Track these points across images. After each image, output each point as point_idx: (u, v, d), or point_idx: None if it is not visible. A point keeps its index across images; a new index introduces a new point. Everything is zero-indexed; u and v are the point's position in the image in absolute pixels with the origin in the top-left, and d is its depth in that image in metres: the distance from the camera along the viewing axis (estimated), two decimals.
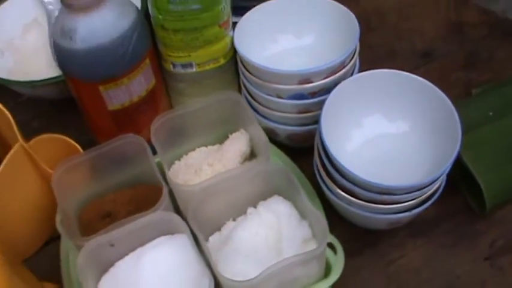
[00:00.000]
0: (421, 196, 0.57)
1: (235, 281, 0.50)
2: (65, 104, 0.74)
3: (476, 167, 0.63)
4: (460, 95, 0.78)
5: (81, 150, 0.65)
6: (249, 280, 0.49)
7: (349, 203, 0.58)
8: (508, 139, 0.66)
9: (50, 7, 0.86)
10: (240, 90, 0.71)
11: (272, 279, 0.51)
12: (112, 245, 0.56)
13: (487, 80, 0.81)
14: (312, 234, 0.57)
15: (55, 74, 0.73)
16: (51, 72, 0.78)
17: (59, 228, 0.61)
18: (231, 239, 0.57)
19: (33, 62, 0.86)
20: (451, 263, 0.63)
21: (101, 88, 0.60)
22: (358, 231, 0.64)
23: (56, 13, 0.65)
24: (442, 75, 0.82)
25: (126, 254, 0.57)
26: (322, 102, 0.60)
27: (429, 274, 0.63)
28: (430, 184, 0.55)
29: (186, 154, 0.67)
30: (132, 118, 0.65)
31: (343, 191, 0.57)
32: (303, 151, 0.67)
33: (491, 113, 0.68)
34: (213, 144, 0.68)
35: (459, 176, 0.66)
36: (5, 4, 0.88)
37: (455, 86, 0.81)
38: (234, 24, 0.67)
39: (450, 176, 0.60)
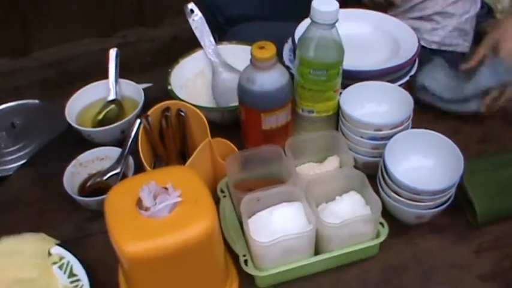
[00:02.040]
0: (438, 200, 1.04)
1: (330, 223, 0.98)
2: (225, 126, 1.25)
3: (474, 194, 1.10)
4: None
5: (237, 150, 1.15)
6: (336, 223, 0.97)
7: (395, 200, 1.06)
8: (502, 175, 1.13)
9: (215, 63, 1.38)
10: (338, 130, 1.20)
11: (347, 226, 0.98)
12: (258, 200, 1.04)
13: None
14: (371, 214, 1.04)
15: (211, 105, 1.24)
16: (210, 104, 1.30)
17: (220, 193, 1.10)
18: (327, 209, 1.05)
19: (198, 98, 1.37)
20: (450, 251, 1.10)
21: (262, 115, 1.11)
22: (397, 224, 1.11)
23: (219, 68, 1.17)
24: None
25: (266, 208, 1.05)
26: (386, 144, 1.09)
27: (437, 256, 1.09)
28: (444, 192, 1.03)
29: (299, 166, 1.16)
30: (273, 136, 1.14)
31: (393, 191, 1.05)
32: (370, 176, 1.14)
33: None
34: (316, 162, 1.17)
35: (463, 199, 1.13)
36: (185, 59, 1.40)
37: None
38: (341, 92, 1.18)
39: (457, 198, 1.08)
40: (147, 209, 0.88)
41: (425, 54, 1.44)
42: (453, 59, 1.57)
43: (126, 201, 0.90)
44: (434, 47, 1.64)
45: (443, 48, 1.65)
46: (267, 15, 1.57)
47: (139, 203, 0.88)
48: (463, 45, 1.68)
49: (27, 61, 2.64)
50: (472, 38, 1.71)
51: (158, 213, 0.88)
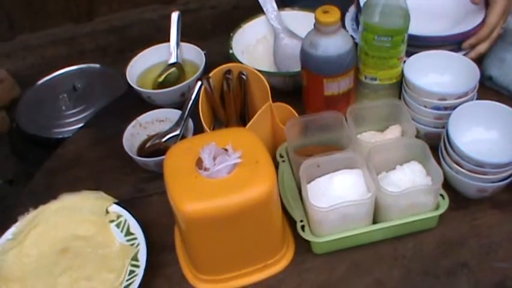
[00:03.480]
0: (501, 173, 1.02)
1: (390, 191, 0.97)
2: (285, 91, 1.25)
3: None
4: None
5: (297, 115, 1.15)
6: (396, 192, 0.97)
7: (457, 171, 1.04)
8: None
9: (278, 29, 1.38)
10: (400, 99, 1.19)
11: (407, 196, 0.97)
12: (318, 166, 1.04)
13: None
14: (432, 185, 1.03)
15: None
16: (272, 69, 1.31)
17: (279, 158, 1.10)
18: (387, 177, 1.04)
19: (260, 63, 1.37)
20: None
21: (324, 80, 1.10)
22: (458, 197, 1.10)
23: (281, 34, 1.16)
24: None
25: (325, 174, 1.05)
26: (449, 115, 1.07)
27: (497, 232, 1.07)
28: (508, 166, 1.01)
29: (361, 134, 1.15)
30: (335, 102, 1.14)
31: (455, 163, 1.04)
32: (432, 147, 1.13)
33: None
34: (377, 131, 1.16)
35: None
36: (248, 24, 1.40)
37: None
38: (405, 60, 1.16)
39: None
40: (206, 169, 0.89)
41: None
42: None
43: (185, 161, 0.91)
44: None
45: None
46: None
47: (198, 163, 0.90)
48: None
49: (90, 26, 2.69)
50: None
51: (217, 174, 0.89)
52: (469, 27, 1.25)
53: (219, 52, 1.38)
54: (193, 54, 1.37)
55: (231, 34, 1.34)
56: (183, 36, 1.40)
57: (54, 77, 2.10)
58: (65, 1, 2.62)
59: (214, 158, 0.90)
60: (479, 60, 1.27)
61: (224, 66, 1.16)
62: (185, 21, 1.44)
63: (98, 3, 2.69)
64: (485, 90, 1.27)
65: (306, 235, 1.00)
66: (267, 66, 1.37)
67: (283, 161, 1.12)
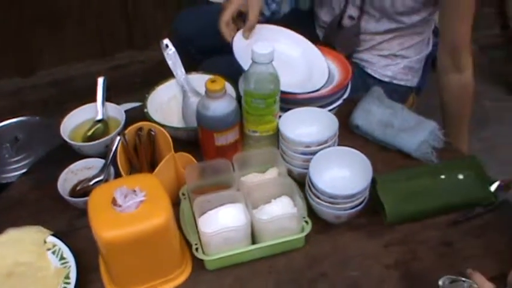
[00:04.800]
0: (351, 203, 1.35)
1: (260, 219, 1.30)
2: (189, 141, 1.57)
3: (385, 199, 1.42)
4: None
5: (196, 162, 1.47)
6: (266, 219, 1.29)
7: (318, 203, 1.38)
8: (410, 185, 1.45)
9: (186, 89, 1.70)
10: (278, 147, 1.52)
11: (275, 221, 1.30)
12: (209, 201, 1.35)
13: None
14: (298, 214, 1.36)
15: (181, 126, 1.57)
16: (180, 124, 1.62)
17: (181, 195, 1.41)
18: (263, 209, 1.36)
19: (171, 118, 1.69)
20: (364, 245, 1.41)
21: (215, 134, 1.42)
22: (321, 223, 1.42)
23: (188, 93, 1.50)
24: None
25: (214, 208, 1.36)
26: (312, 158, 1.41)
27: (352, 249, 1.40)
28: (355, 196, 1.34)
29: (246, 175, 1.48)
30: (225, 151, 1.46)
31: (315, 196, 1.37)
32: (300, 183, 1.46)
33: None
34: (259, 173, 1.49)
35: (378, 203, 1.44)
36: (161, 86, 1.72)
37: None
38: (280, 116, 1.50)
39: (372, 202, 1.39)
40: (119, 206, 1.19)
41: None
42: (401, 92, 1.92)
43: (104, 199, 1.21)
44: (386, 80, 1.97)
45: (394, 81, 1.99)
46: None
47: (113, 201, 1.20)
48: (412, 80, 2.02)
49: (32, 80, 3.00)
50: (421, 73, 2.05)
51: (128, 209, 1.19)
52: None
53: (137, 110, 1.68)
54: (116, 112, 1.67)
55: (146, 95, 1.65)
56: (116, 89, 1.70)
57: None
58: (9, 56, 2.92)
59: (125, 197, 1.20)
60: (348, 113, 1.63)
61: (136, 125, 1.48)
62: (117, 76, 1.76)
63: (40, 58, 3.00)
64: (354, 136, 1.63)
65: (199, 255, 1.31)
66: (177, 121, 1.68)
67: (185, 198, 1.43)
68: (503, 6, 3.13)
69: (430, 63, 2.09)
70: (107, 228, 1.18)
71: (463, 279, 1.23)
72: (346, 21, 1.93)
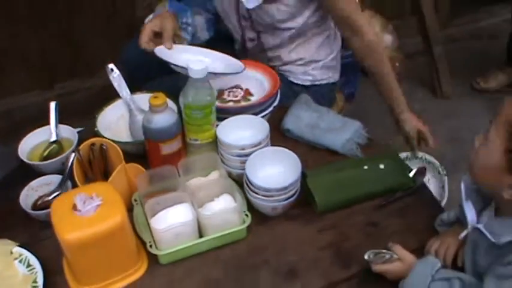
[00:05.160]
0: (284, 195, 1.54)
1: (204, 214, 1.48)
2: (138, 154, 1.74)
3: (315, 190, 1.61)
4: None
5: (144, 170, 1.64)
6: (208, 214, 1.47)
7: (255, 198, 1.56)
8: (338, 176, 1.65)
9: (132, 108, 1.88)
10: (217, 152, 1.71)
11: (217, 216, 1.48)
12: (158, 204, 1.53)
13: None
14: (238, 208, 1.54)
15: (130, 140, 1.75)
16: (129, 140, 1.79)
17: (134, 201, 1.59)
18: (207, 206, 1.55)
19: (120, 135, 1.86)
20: (300, 233, 1.60)
21: (160, 144, 1.60)
22: (261, 215, 1.61)
23: (134, 112, 1.68)
24: None
25: (163, 209, 1.54)
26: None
27: (289, 236, 1.58)
28: (286, 189, 1.53)
29: (191, 179, 1.66)
30: (171, 159, 1.64)
31: (253, 191, 1.56)
32: (239, 183, 1.64)
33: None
34: (202, 176, 1.67)
35: (310, 195, 1.63)
36: (109, 107, 1.89)
37: None
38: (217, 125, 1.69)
39: (304, 195, 1.59)
40: (79, 210, 1.36)
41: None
42: (327, 91, 2.13)
43: (65, 206, 1.38)
44: (309, 84, 2.17)
45: (317, 83, 2.19)
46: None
47: (74, 206, 1.36)
48: (333, 77, 2.23)
49: None
50: (340, 68, 2.27)
51: (87, 213, 1.36)
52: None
53: (88, 129, 1.85)
54: (69, 132, 1.83)
55: (96, 115, 1.82)
56: (65, 115, 1.86)
57: None
58: None
59: (84, 202, 1.37)
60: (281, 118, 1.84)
61: (89, 141, 1.65)
62: (65, 102, 1.92)
63: None
64: (286, 138, 1.83)
65: (153, 250, 1.48)
66: (126, 136, 1.85)
67: (137, 204, 1.60)
68: (422, 16, 3.38)
69: (360, 69, 2.30)
70: (69, 231, 1.34)
71: (385, 251, 1.42)
72: (249, 44, 2.15)
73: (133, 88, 1.92)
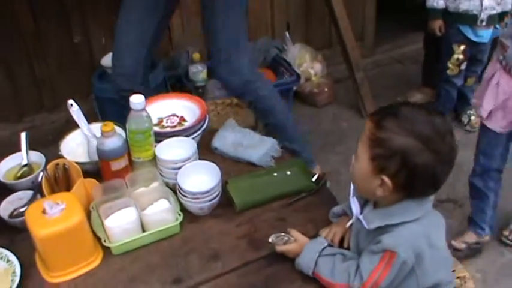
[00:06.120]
0: (207, 197, 2.00)
1: (146, 213, 1.94)
2: (94, 171, 2.20)
3: (234, 194, 2.07)
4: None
5: (99, 184, 2.10)
6: (148, 213, 1.93)
7: (185, 200, 2.02)
8: (254, 181, 2.11)
9: (89, 136, 2.33)
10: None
11: (156, 214, 1.94)
12: (110, 208, 1.98)
13: None
14: (171, 209, 2.00)
15: (87, 160, 2.20)
16: (86, 160, 2.25)
17: (91, 208, 2.04)
18: (148, 209, 2.00)
19: (80, 159, 2.31)
20: (221, 227, 2.05)
21: (110, 162, 2.05)
22: (192, 216, 2.06)
23: (91, 139, 2.13)
24: None
25: (114, 212, 1.99)
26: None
27: (214, 231, 2.03)
28: (208, 193, 1.99)
29: (137, 189, 2.11)
30: (120, 174, 2.08)
31: (183, 196, 2.02)
32: (175, 191, 2.10)
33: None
34: (146, 187, 2.12)
35: (231, 198, 2.08)
36: (70, 135, 2.35)
37: None
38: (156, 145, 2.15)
39: (226, 198, 2.05)
40: (47, 213, 1.80)
41: None
42: None
43: (36, 211, 1.81)
44: None
45: None
46: None
47: (44, 211, 1.81)
48: None
49: None
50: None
51: (54, 215, 1.80)
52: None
53: (54, 154, 2.30)
54: (38, 157, 2.26)
55: (59, 142, 2.27)
56: (34, 145, 2.30)
57: None
58: None
59: (51, 207, 1.82)
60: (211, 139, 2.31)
61: (54, 161, 2.09)
62: (33, 134, 2.37)
63: None
64: (215, 155, 2.28)
65: (107, 244, 1.91)
66: (83, 157, 2.29)
67: (93, 210, 2.03)
68: (344, 46, 3.87)
69: (293, 95, 2.80)
70: (40, 229, 1.78)
71: (284, 234, 1.86)
72: None
73: (89, 119, 2.37)
